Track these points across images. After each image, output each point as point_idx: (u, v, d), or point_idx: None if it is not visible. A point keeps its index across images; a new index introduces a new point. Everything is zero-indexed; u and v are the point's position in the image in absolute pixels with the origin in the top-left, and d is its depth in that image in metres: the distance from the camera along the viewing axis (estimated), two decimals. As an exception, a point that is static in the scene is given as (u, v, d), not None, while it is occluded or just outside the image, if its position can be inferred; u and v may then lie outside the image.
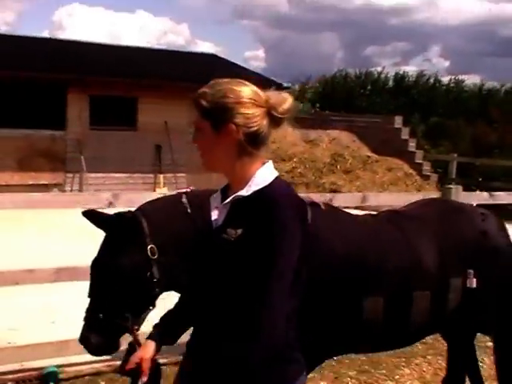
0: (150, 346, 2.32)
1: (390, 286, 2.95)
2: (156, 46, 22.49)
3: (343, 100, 29.91)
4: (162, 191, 14.62)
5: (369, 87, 32.10)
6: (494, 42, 73.46)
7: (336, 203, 5.89)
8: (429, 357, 5.66)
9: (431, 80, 31.84)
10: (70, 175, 15.84)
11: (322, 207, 2.84)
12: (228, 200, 2.15)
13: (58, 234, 10.67)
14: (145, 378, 2.27)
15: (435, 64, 61.84)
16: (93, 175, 15.74)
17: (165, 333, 2.37)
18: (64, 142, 15.74)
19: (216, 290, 2.15)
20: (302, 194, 3.72)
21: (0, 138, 14.77)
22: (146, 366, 2.28)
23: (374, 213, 3.45)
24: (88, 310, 2.65)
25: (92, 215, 2.73)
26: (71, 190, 15.73)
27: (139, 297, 2.66)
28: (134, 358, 2.29)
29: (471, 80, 32.59)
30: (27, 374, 4.86)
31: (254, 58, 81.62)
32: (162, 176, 16.71)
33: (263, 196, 2.07)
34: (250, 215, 2.06)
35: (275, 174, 2.16)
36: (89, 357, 3.04)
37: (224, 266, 2.11)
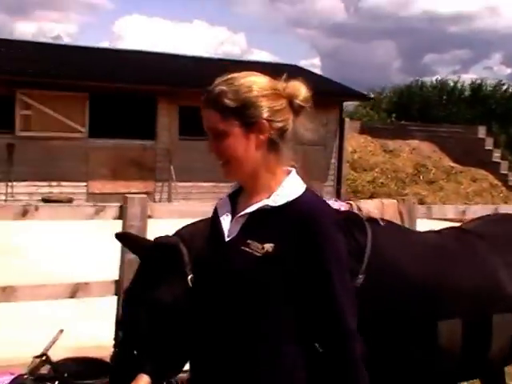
0: (142, 382, 2.07)
1: (466, 307, 2.74)
2: (215, 56, 22.81)
3: (419, 110, 29.63)
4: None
5: (444, 97, 31.69)
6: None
7: (469, 216, 5.88)
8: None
9: (510, 89, 31.20)
10: (160, 184, 16.20)
11: (381, 223, 2.62)
12: (251, 209, 1.88)
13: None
14: None
15: (496, 72, 60.24)
16: (181, 184, 16.05)
17: (161, 367, 2.12)
18: (154, 152, 16.13)
19: (231, 311, 1.86)
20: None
21: (94, 148, 15.29)
22: None
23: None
24: (120, 345, 2.38)
25: (127, 239, 2.51)
26: (160, 199, 16.08)
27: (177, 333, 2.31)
28: None
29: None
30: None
31: (310, 67, 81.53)
32: (246, 185, 16.85)
33: (300, 208, 1.84)
34: (283, 229, 1.82)
35: (303, 183, 1.93)
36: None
37: (246, 283, 1.83)
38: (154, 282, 2.37)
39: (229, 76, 1.90)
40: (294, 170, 1.94)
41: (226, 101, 1.85)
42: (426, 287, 2.63)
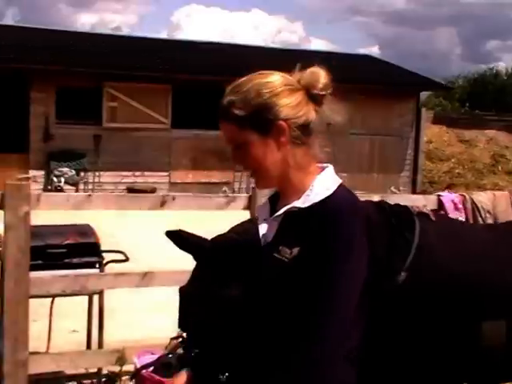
0: (182, 378, 1.99)
1: None
2: (271, 45, 22.98)
3: (494, 98, 29.05)
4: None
5: (520, 85, 30.97)
6: None
7: None
8: None
9: None
10: (238, 174, 16.46)
11: (432, 217, 2.50)
12: (280, 212, 1.80)
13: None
14: None
15: None
16: (259, 174, 16.29)
17: (202, 371, 2.04)
18: (234, 142, 16.38)
19: (263, 321, 1.80)
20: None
21: (177, 138, 15.71)
22: None
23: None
24: (184, 346, 2.33)
25: (179, 237, 2.32)
26: (239, 189, 16.38)
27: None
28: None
29: None
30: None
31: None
32: (323, 175, 16.96)
33: (325, 208, 1.72)
34: (308, 231, 1.71)
35: (338, 180, 1.80)
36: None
37: (275, 291, 1.75)
38: (225, 280, 2.24)
39: (235, 83, 1.80)
40: (329, 167, 1.83)
41: (236, 111, 1.75)
42: (472, 286, 2.48)
